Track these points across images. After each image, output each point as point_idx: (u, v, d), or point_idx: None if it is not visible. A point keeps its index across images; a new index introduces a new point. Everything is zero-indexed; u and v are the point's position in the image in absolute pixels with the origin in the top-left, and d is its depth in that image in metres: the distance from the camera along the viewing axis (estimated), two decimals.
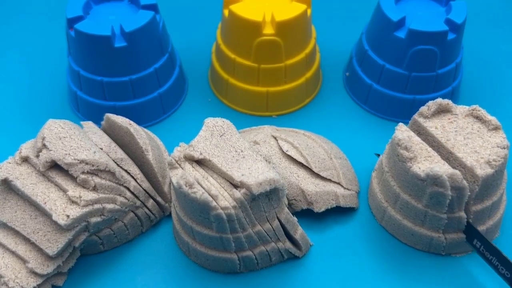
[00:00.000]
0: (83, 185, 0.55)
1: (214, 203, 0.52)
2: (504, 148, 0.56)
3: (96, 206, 0.55)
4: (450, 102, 0.60)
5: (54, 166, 0.56)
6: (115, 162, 0.58)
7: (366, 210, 0.65)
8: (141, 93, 0.71)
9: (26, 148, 0.57)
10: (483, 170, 0.55)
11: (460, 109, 0.60)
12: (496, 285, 0.58)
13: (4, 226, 0.56)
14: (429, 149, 0.57)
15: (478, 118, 0.59)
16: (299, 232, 0.59)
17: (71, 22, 0.66)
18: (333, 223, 0.64)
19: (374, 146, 0.69)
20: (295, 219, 0.58)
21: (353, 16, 0.87)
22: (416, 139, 0.58)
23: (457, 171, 0.54)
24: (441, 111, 0.60)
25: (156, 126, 0.74)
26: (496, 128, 0.58)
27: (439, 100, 0.60)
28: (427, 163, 0.56)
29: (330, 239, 0.62)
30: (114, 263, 0.60)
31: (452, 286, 0.58)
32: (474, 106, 0.60)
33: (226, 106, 0.76)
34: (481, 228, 0.59)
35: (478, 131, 0.58)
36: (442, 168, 0.54)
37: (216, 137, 0.57)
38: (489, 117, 0.59)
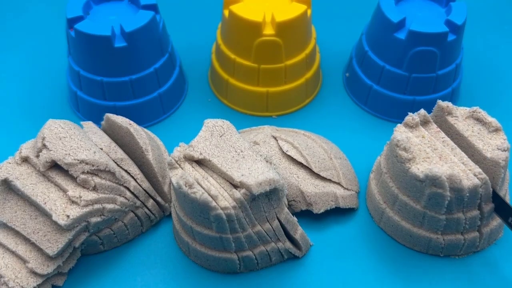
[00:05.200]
0: (83, 185, 0.55)
1: (214, 203, 0.52)
2: (505, 150, 0.56)
3: (96, 206, 0.55)
4: (450, 104, 0.60)
5: (54, 166, 0.56)
6: (115, 162, 0.58)
7: (367, 210, 0.65)
8: (141, 93, 0.71)
9: (26, 148, 0.57)
10: (470, 180, 0.55)
11: (461, 110, 0.60)
12: (495, 286, 0.59)
13: (4, 226, 0.56)
14: (428, 150, 0.57)
15: (479, 120, 0.59)
16: (299, 232, 0.59)
17: (71, 22, 0.66)
18: (333, 223, 0.64)
19: (374, 147, 0.69)
20: (295, 219, 0.58)
21: (353, 16, 0.87)
22: (415, 140, 0.58)
23: (455, 173, 0.54)
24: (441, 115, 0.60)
25: (156, 126, 0.74)
26: (496, 130, 0.58)
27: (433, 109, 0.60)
28: (425, 164, 0.56)
29: (330, 239, 0.62)
30: (114, 263, 0.60)
31: (450, 287, 0.59)
32: (474, 108, 0.60)
33: (226, 106, 0.76)
34: (485, 229, 0.59)
35: (478, 133, 0.58)
36: (440, 169, 0.54)
37: (216, 137, 0.57)
38: (489, 118, 0.58)
